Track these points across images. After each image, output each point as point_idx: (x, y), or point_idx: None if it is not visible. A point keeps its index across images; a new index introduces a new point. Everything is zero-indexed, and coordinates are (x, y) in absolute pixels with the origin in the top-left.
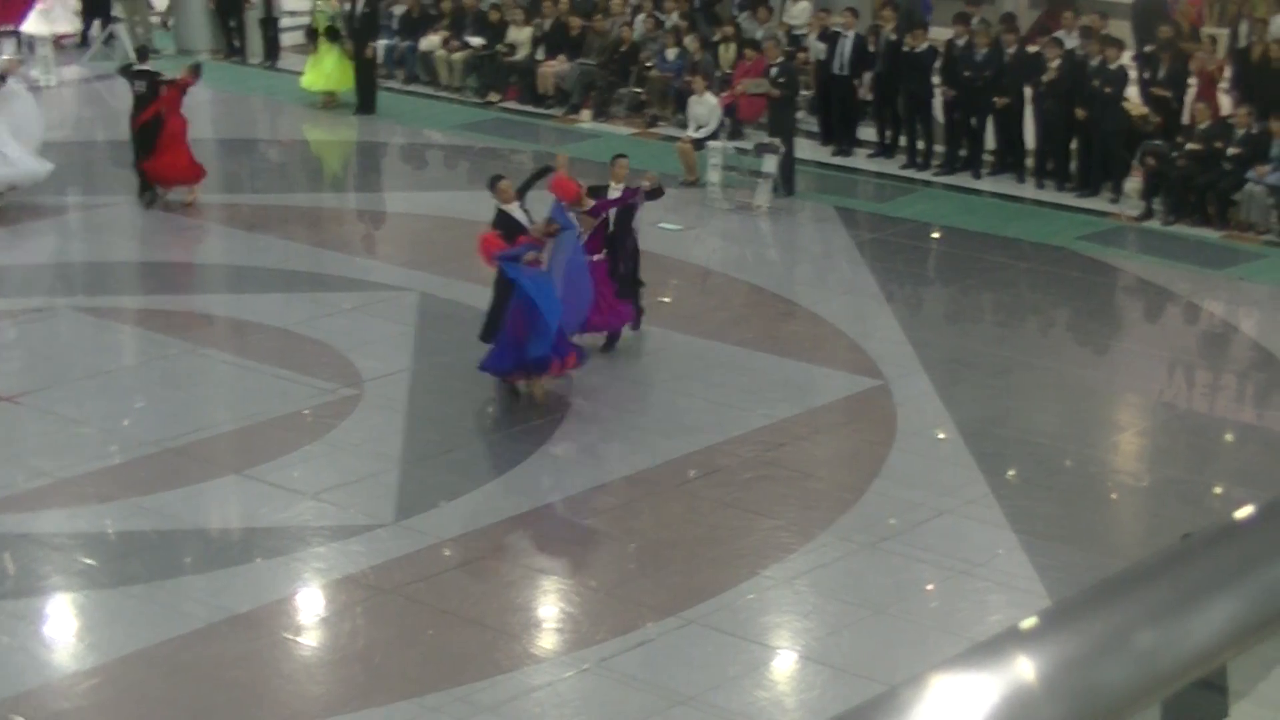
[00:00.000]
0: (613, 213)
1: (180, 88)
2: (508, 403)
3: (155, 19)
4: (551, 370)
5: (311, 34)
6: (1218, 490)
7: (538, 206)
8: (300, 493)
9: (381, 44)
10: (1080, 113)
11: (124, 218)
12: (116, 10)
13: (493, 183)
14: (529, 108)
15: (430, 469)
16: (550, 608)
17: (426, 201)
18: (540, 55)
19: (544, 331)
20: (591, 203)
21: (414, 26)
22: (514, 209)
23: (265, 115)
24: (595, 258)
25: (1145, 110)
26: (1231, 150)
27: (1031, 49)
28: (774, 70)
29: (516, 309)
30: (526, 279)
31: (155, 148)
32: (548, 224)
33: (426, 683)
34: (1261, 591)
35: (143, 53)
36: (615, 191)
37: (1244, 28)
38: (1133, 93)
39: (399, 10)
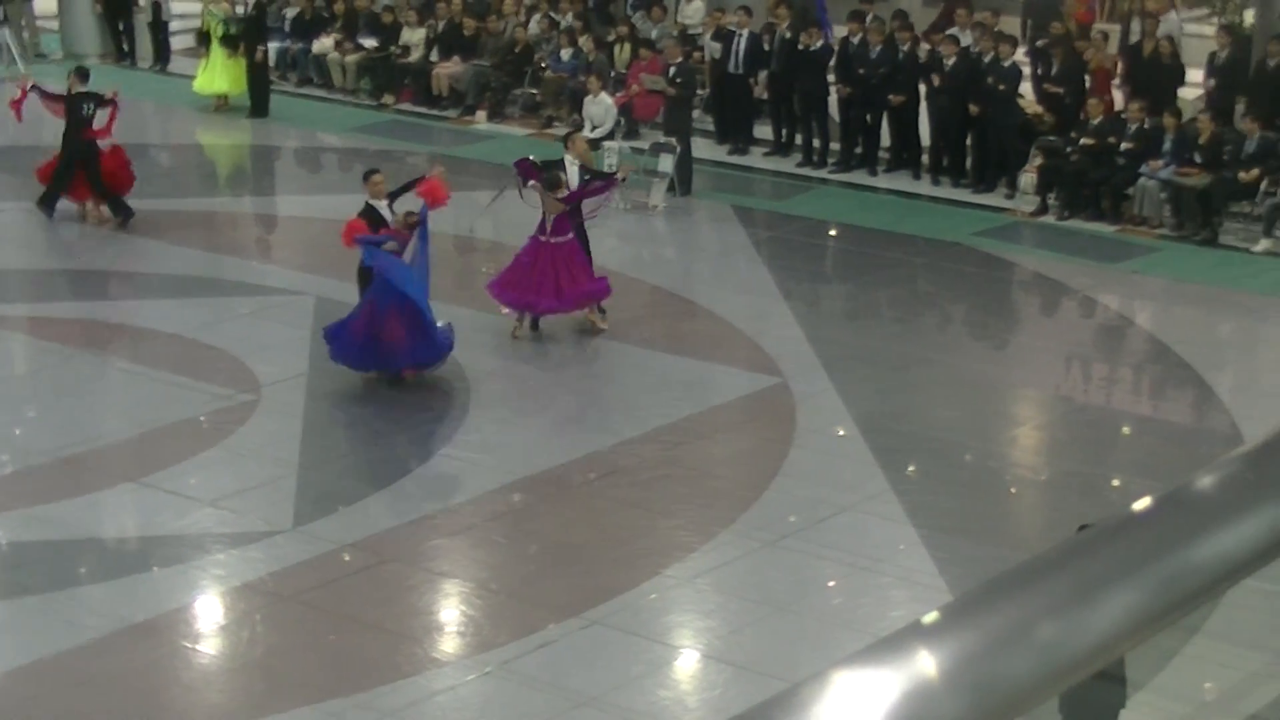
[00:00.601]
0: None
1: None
2: (405, 404)
3: (43, 23)
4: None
5: (203, 37)
6: (1116, 483)
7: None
8: (198, 500)
9: (273, 46)
10: (974, 109)
11: (14, 225)
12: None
13: (366, 175)
14: (423, 109)
15: (329, 474)
16: (451, 611)
17: (321, 205)
18: (434, 57)
19: (428, 328)
20: (565, 191)
21: (306, 29)
22: (382, 205)
23: (157, 120)
24: (566, 237)
25: (1039, 108)
26: (1125, 145)
27: (926, 46)
28: (672, 70)
29: (382, 305)
30: (385, 263)
31: (98, 164)
32: (407, 217)
33: (327, 689)
34: (1159, 583)
35: (84, 74)
36: (572, 166)
37: (1135, 24)
38: (1026, 89)
39: (291, 12)
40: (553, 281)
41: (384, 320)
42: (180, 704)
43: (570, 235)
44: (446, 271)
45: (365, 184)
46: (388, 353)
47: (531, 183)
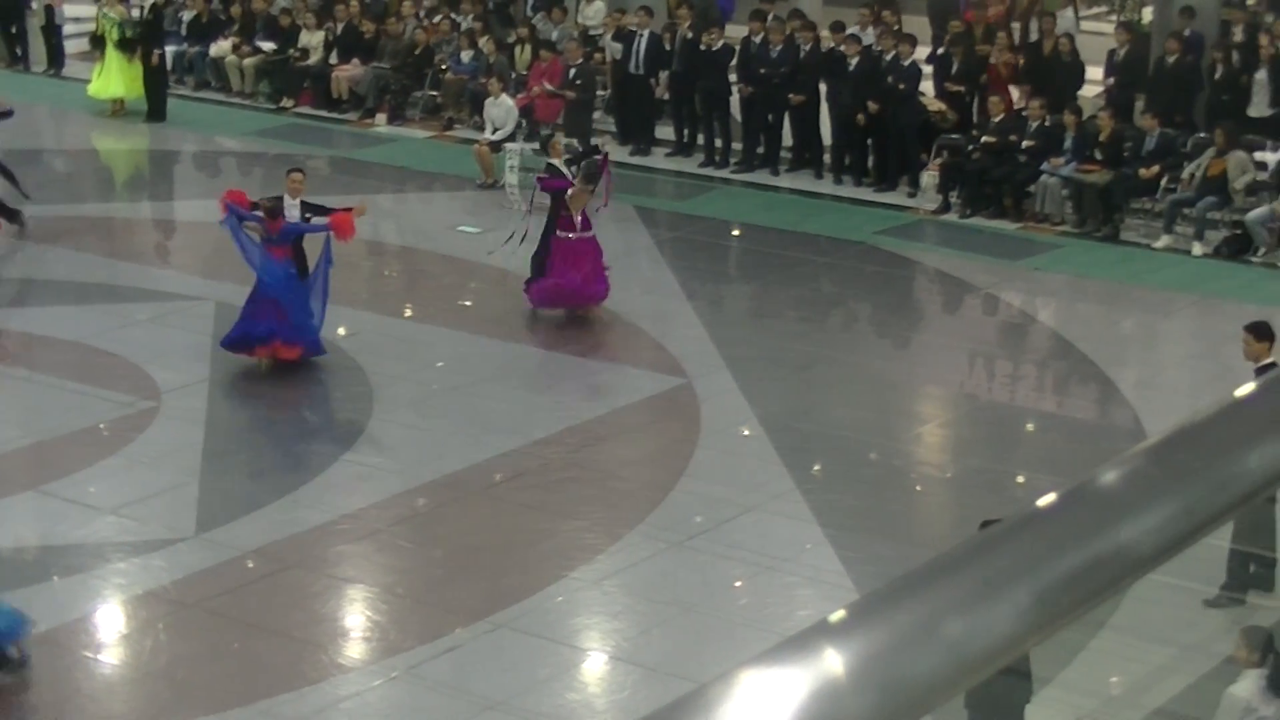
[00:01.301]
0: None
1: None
2: (310, 409)
3: None
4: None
5: (98, 41)
6: (1021, 479)
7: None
8: (98, 508)
9: (170, 50)
10: (874, 107)
11: None
12: None
13: (290, 171)
14: (323, 112)
15: (231, 480)
16: (357, 617)
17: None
18: (333, 59)
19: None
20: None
21: (203, 32)
22: (293, 205)
23: (52, 124)
24: (589, 234)
25: (941, 106)
26: (1026, 143)
27: (828, 46)
28: (572, 71)
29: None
30: (241, 242)
31: None
32: (271, 201)
33: (232, 697)
34: (1065, 578)
35: None
36: (561, 166)
37: (1035, 22)
38: (928, 88)
39: (187, 15)
40: (586, 273)
41: (262, 302)
42: (83, 714)
43: (593, 231)
44: (353, 275)
45: (286, 177)
46: (264, 331)
47: (570, 191)
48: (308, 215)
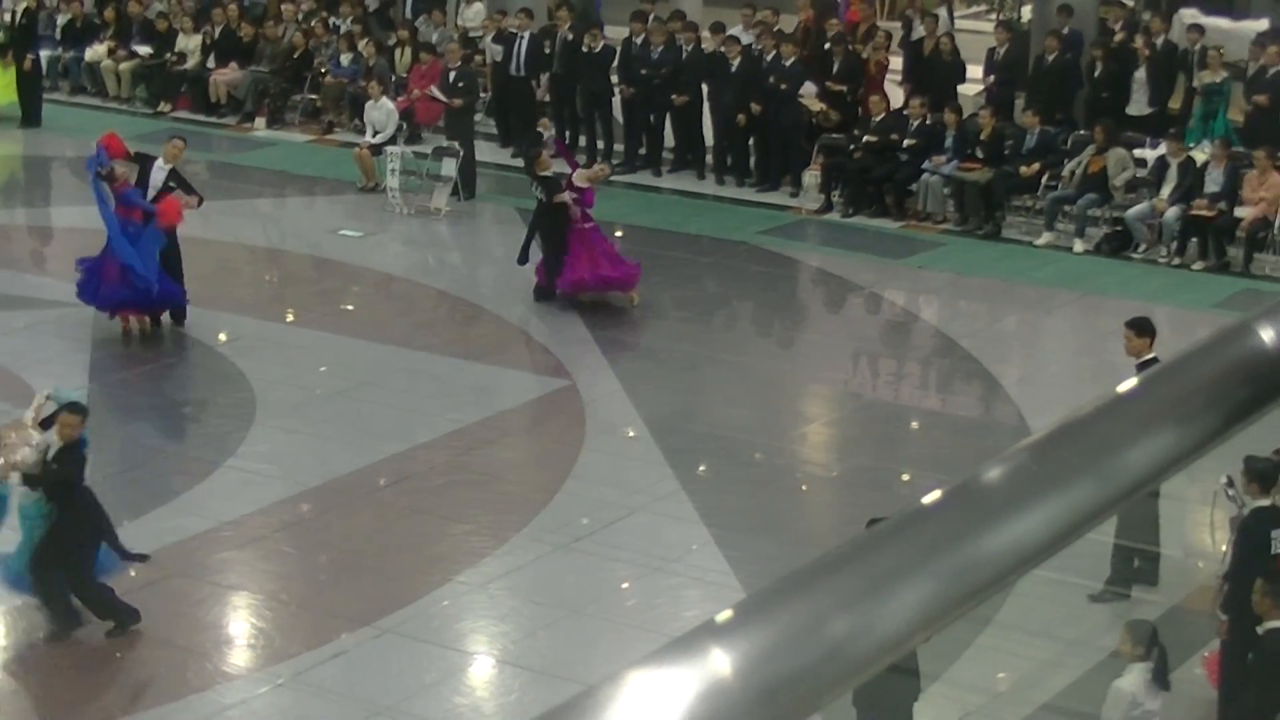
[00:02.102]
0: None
1: None
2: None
3: None
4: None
5: None
6: (906, 477)
7: None
8: None
9: (44, 55)
10: (756, 107)
11: None
12: None
13: (171, 137)
14: (201, 117)
15: (113, 487)
16: (241, 624)
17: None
18: (211, 63)
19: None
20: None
21: (78, 36)
22: (162, 167)
23: None
24: (588, 225)
25: (821, 105)
26: (907, 142)
27: (709, 46)
28: (453, 74)
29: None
30: (100, 196)
31: None
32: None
33: (114, 708)
34: (950, 575)
35: None
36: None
37: (915, 21)
38: (809, 87)
39: (61, 20)
40: (604, 259)
41: (106, 260)
42: None
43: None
44: (235, 280)
45: (168, 142)
46: (108, 293)
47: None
48: (171, 184)
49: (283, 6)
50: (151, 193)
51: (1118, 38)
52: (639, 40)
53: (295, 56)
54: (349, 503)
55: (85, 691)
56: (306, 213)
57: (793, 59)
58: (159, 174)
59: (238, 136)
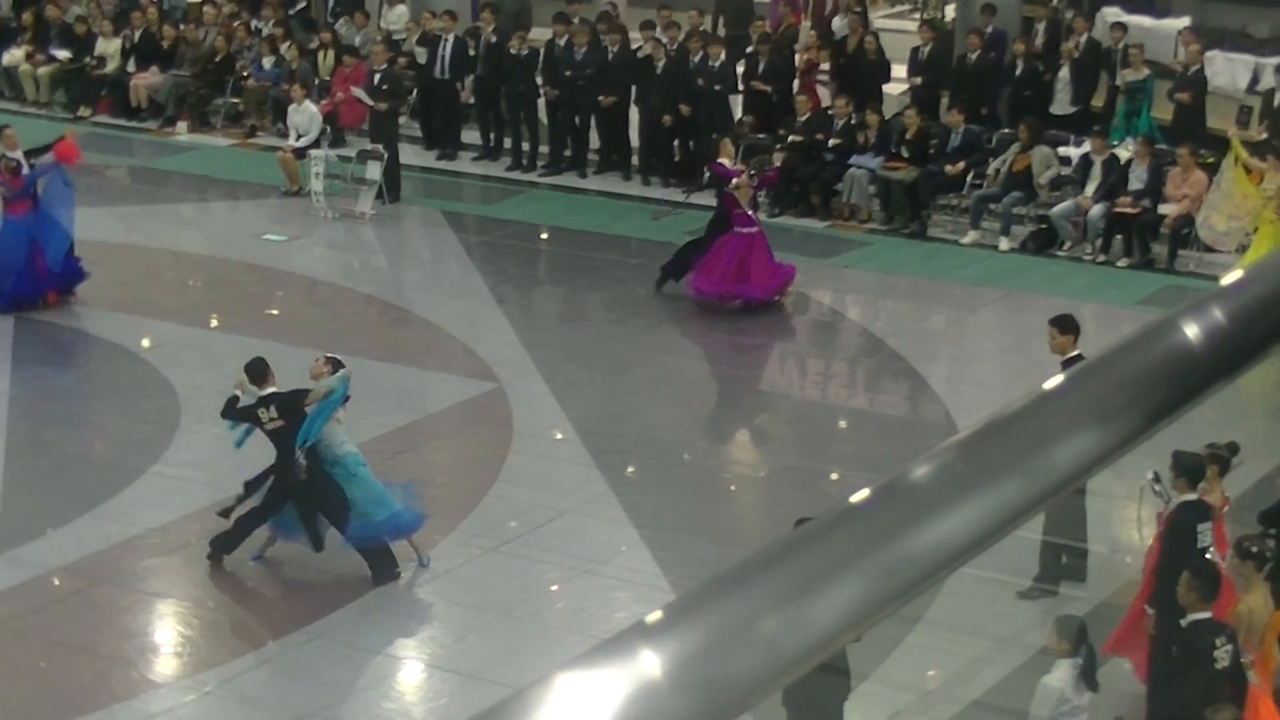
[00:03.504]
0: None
1: None
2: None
3: None
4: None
5: None
6: (834, 476)
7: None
8: None
9: None
10: (685, 109)
11: None
12: None
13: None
14: (122, 121)
15: (36, 495)
16: (168, 632)
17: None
18: (131, 67)
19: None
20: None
21: None
22: (15, 153)
23: None
24: (753, 230)
25: (748, 118)
26: (832, 141)
27: (635, 48)
28: (377, 77)
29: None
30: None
31: None
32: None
33: (39, 717)
34: (879, 573)
35: None
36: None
37: (839, 20)
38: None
39: None
40: (747, 268)
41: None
42: None
43: (759, 227)
44: (158, 286)
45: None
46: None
47: (735, 181)
48: (32, 161)
49: (204, 9)
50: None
51: (1041, 38)
52: (563, 42)
53: (217, 60)
54: None
55: (7, 703)
56: (230, 217)
57: (720, 59)
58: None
59: (159, 141)
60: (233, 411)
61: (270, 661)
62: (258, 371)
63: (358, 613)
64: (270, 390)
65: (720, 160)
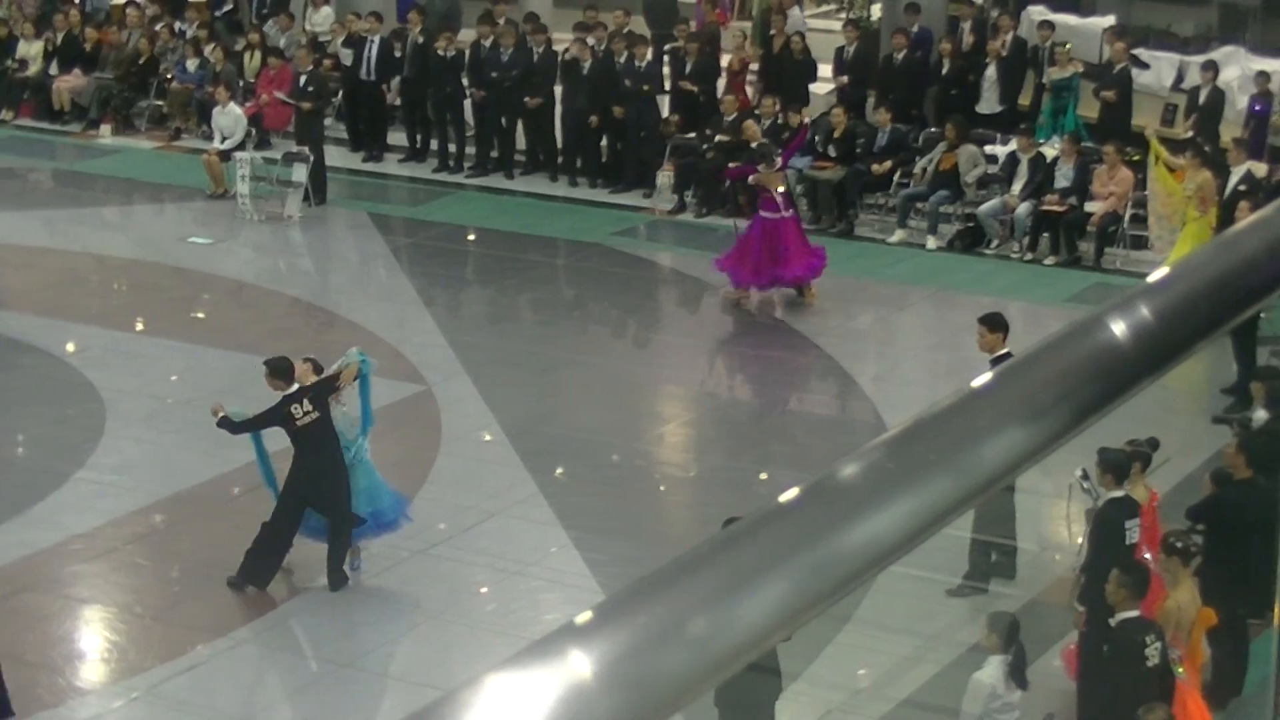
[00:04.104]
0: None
1: None
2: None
3: None
4: None
5: None
6: (764, 475)
7: None
8: None
9: None
10: (618, 111)
11: None
12: None
13: None
14: (44, 124)
15: None
16: (94, 638)
17: None
18: (54, 70)
19: None
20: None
21: None
22: None
23: None
24: (790, 213)
25: (674, 117)
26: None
27: (560, 48)
28: (302, 79)
29: None
30: None
31: None
32: None
33: None
34: (808, 572)
35: None
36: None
37: (758, 20)
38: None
39: None
40: (783, 253)
41: None
42: None
43: (793, 211)
44: (82, 290)
45: None
46: None
47: (752, 177)
48: None
49: (127, 12)
50: None
51: (968, 39)
52: (487, 43)
53: (140, 62)
54: (203, 513)
55: None
56: (155, 220)
57: (646, 59)
58: None
59: (82, 144)
60: (249, 424)
61: (198, 666)
62: (282, 370)
63: (286, 617)
64: (295, 387)
65: (730, 165)
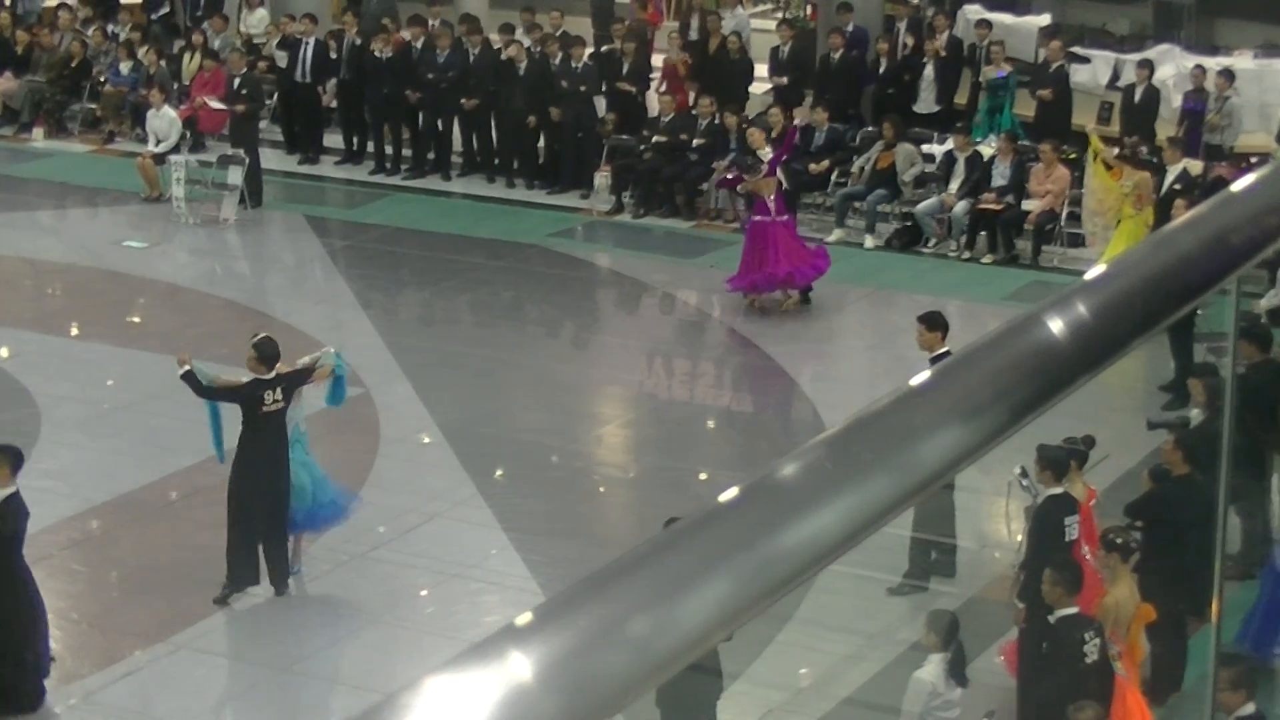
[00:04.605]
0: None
1: None
2: None
3: None
4: None
5: None
6: (703, 476)
7: None
8: None
9: None
10: (555, 113)
11: None
12: None
13: None
14: None
15: None
16: None
17: None
18: None
19: None
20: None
21: None
22: None
23: None
24: (783, 218)
25: (610, 115)
26: (696, 141)
27: (497, 49)
28: (236, 81)
29: None
30: None
31: None
32: None
33: None
34: (749, 572)
35: None
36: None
37: (696, 21)
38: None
39: None
40: (771, 256)
41: None
42: None
43: (788, 216)
44: (15, 295)
45: None
46: None
47: (741, 186)
48: None
49: (59, 14)
50: None
51: (905, 38)
52: (419, 44)
53: (73, 65)
54: (139, 518)
55: None
56: (89, 224)
57: (582, 60)
58: None
59: (15, 148)
60: (215, 394)
61: (136, 672)
62: (269, 356)
63: (223, 622)
64: (275, 373)
65: (736, 171)
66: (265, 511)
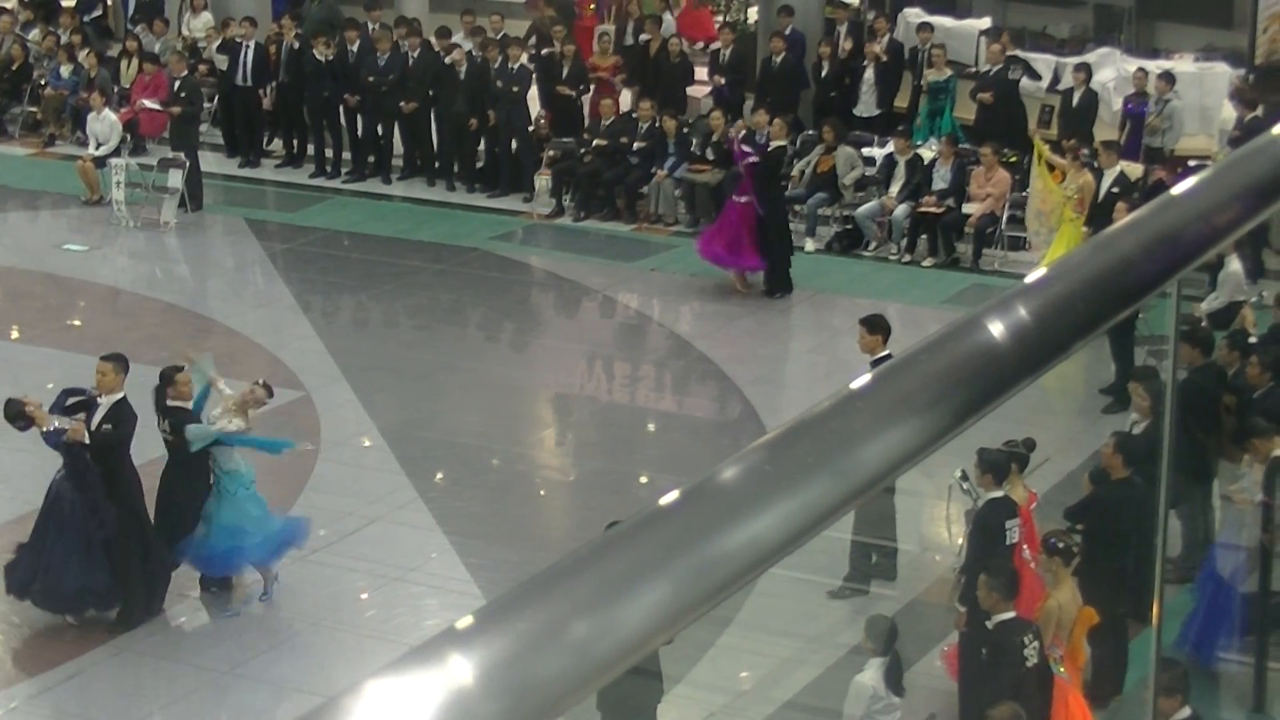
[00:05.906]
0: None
1: None
2: None
3: None
4: None
5: None
6: (644, 479)
7: None
8: None
9: None
10: (493, 116)
11: None
12: None
13: None
14: None
15: None
16: None
17: None
18: None
19: None
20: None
21: None
22: None
23: None
24: (744, 199)
25: (543, 113)
26: (637, 145)
27: (436, 52)
28: (177, 84)
29: None
30: None
31: None
32: None
33: None
34: (689, 575)
35: None
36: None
37: (632, 24)
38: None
39: None
40: (729, 237)
41: None
42: None
43: (750, 198)
44: None
45: None
46: None
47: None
48: None
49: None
50: None
51: (845, 43)
52: (354, 48)
53: (13, 68)
54: None
55: None
56: (29, 227)
57: (519, 62)
58: None
59: None
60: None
61: (79, 675)
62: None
63: (166, 624)
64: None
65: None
66: (161, 532)
